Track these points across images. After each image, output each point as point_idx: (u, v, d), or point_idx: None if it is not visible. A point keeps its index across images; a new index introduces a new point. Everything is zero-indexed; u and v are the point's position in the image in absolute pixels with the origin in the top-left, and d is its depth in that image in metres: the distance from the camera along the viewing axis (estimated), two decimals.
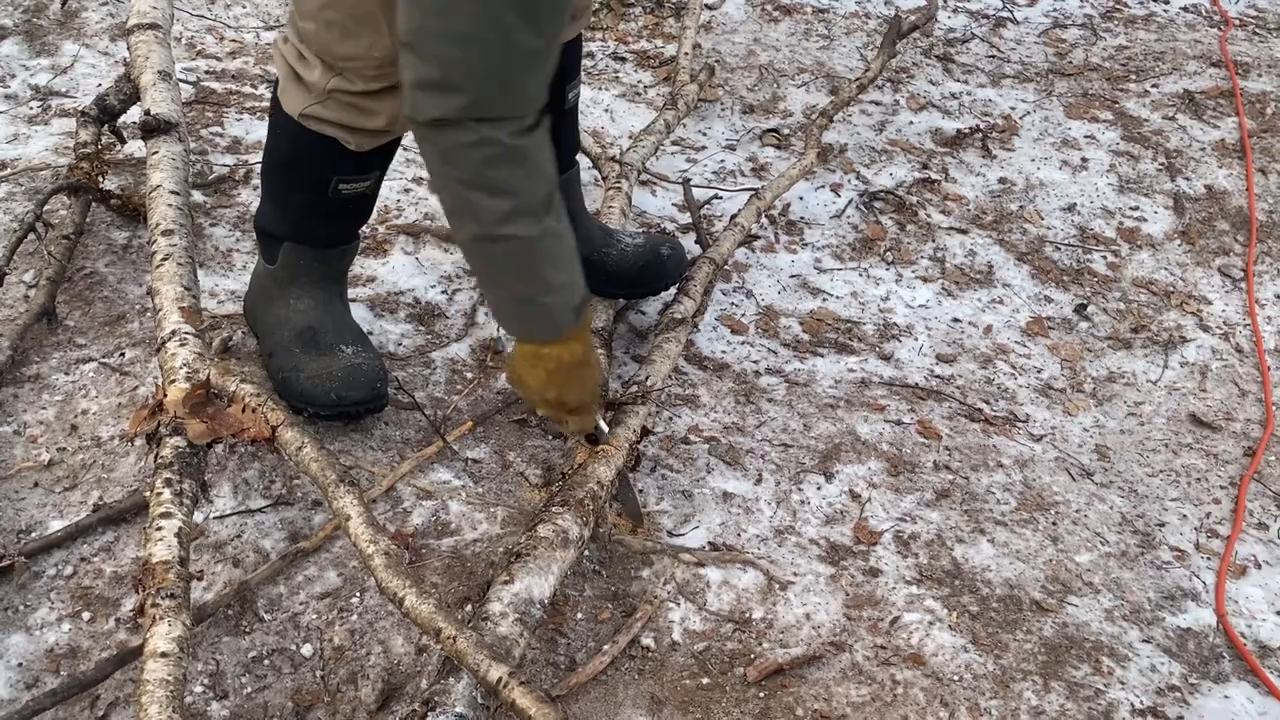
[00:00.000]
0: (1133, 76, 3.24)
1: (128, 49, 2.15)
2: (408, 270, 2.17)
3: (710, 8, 3.46)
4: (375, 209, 2.26)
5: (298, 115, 1.61)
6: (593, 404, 1.62)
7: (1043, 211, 2.68)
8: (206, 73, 2.72)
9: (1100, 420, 2.10)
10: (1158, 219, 2.68)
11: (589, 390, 1.58)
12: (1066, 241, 2.59)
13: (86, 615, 1.49)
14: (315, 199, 1.69)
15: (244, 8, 3.07)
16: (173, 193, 1.83)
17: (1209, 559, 1.82)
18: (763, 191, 2.39)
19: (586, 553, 1.64)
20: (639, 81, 3.08)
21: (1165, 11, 3.66)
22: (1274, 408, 2.17)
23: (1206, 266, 2.55)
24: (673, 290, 2.07)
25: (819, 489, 1.83)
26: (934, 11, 2.87)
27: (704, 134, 2.89)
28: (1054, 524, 1.84)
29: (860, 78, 2.85)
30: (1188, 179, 2.80)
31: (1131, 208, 2.71)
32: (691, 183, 2.59)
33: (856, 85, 2.84)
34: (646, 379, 1.83)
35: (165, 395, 1.51)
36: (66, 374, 1.83)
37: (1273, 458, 2.06)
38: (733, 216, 2.31)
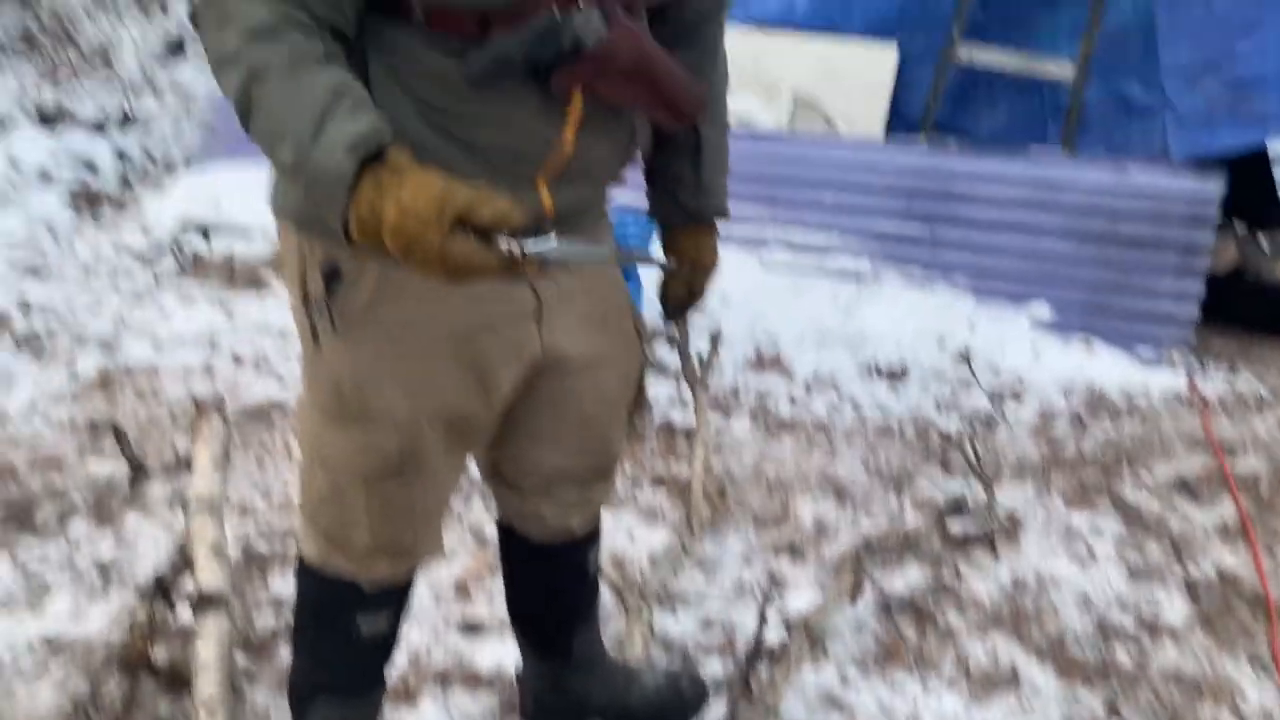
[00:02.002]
0: (1125, 465, 3.41)
1: (185, 525, 2.36)
2: None
3: (719, 431, 3.74)
4: (406, 655, 2.38)
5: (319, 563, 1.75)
6: (456, 208, 1.23)
7: (1058, 607, 2.73)
8: (256, 534, 2.94)
9: None
10: (1174, 607, 2.71)
11: (431, 198, 1.22)
12: (1086, 636, 2.61)
13: None
14: (336, 640, 1.79)
15: (295, 473, 3.36)
16: (218, 666, 1.94)
17: None
18: (813, 620, 2.55)
19: None
20: (656, 504, 3.28)
21: (1145, 400, 3.91)
22: None
23: (1233, 653, 2.55)
24: None
25: None
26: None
27: (719, 548, 3.03)
28: None
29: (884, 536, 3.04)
30: (1196, 564, 2.87)
31: (1147, 598, 2.76)
32: (709, 599, 2.69)
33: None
34: None
35: None
36: None
37: None
38: (784, 645, 2.44)
